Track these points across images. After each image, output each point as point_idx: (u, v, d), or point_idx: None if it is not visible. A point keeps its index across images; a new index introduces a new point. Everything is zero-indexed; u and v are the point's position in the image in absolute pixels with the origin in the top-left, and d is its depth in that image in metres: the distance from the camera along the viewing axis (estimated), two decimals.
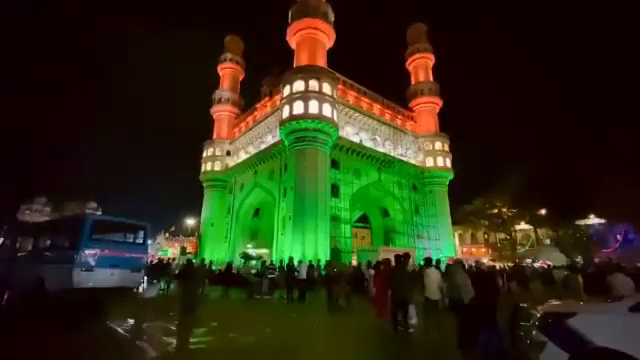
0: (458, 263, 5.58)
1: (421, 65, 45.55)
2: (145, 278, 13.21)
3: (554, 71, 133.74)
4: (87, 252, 8.44)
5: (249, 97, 47.73)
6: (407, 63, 46.99)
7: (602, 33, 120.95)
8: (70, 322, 7.75)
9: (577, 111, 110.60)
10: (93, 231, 8.82)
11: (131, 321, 8.21)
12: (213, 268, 21.51)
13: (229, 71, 48.17)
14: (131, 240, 10.10)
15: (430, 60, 46.10)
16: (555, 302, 4.28)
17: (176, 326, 7.97)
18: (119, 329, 7.43)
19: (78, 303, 8.79)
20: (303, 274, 12.11)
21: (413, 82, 45.39)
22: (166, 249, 37.96)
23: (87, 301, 8.91)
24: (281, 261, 14.37)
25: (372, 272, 12.68)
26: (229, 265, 17.63)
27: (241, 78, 50.11)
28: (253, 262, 21.81)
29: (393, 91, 41.85)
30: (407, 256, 6.45)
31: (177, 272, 17.09)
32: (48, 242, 10.01)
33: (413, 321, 6.30)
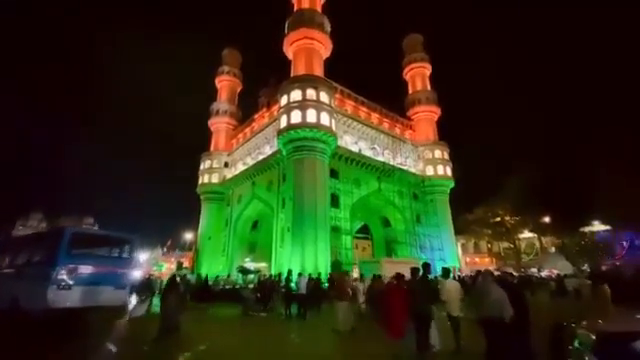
0: (488, 275, 4.80)
1: (418, 74, 45.65)
2: (134, 295, 12.38)
3: (553, 72, 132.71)
4: (64, 268, 7.69)
5: (247, 109, 47.59)
6: (404, 73, 47.13)
7: (602, 33, 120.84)
8: (44, 345, 6.92)
9: (578, 112, 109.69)
10: (73, 245, 8.09)
11: (110, 345, 7.36)
12: (209, 284, 20.63)
13: (227, 83, 48.18)
14: (116, 254, 9.33)
15: (427, 69, 46.24)
16: (608, 319, 3.57)
17: (156, 351, 7.07)
18: (97, 354, 6.60)
19: (55, 324, 7.96)
20: (303, 288, 11.28)
21: (410, 91, 45.39)
22: (161, 264, 36.74)
23: (65, 322, 8.09)
24: (279, 274, 13.54)
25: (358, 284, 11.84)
26: (206, 280, 16.73)
27: (239, 90, 50.12)
28: (251, 276, 20.89)
29: (390, 101, 41.60)
30: (427, 266, 5.68)
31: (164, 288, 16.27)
32: (26, 257, 9.26)
33: (435, 340, 5.47)
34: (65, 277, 7.66)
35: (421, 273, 5.48)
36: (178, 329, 7.56)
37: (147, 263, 35.89)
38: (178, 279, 9.65)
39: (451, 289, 5.31)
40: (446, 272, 6.03)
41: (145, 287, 12.39)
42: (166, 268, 35.38)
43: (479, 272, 11.63)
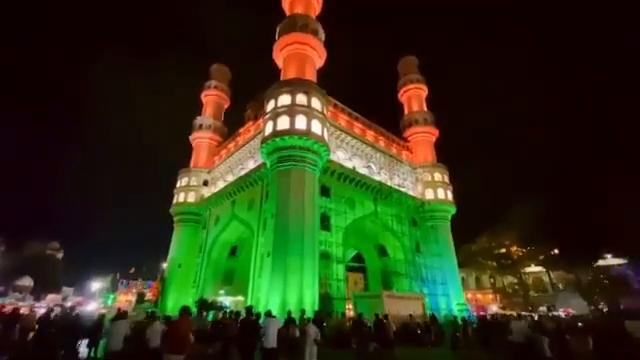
0: None
1: (414, 95, 43.90)
2: None
3: (568, 93, 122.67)
4: None
5: (234, 128, 44.18)
6: (399, 94, 45.44)
7: (613, 48, 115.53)
8: None
9: (592, 137, 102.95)
10: None
11: None
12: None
13: (213, 98, 45.23)
14: None
15: (423, 91, 44.69)
16: None
17: None
18: None
19: None
20: (270, 339, 6.75)
21: (407, 112, 43.31)
22: (109, 295, 30.58)
23: None
24: (237, 314, 9.03)
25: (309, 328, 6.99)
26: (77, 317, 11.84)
27: (226, 107, 47.20)
28: (212, 313, 16.07)
29: (385, 123, 38.58)
30: None
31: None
32: None
33: None
34: None
35: None
36: None
37: (99, 294, 30.00)
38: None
39: None
40: None
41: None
42: (117, 301, 29.44)
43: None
